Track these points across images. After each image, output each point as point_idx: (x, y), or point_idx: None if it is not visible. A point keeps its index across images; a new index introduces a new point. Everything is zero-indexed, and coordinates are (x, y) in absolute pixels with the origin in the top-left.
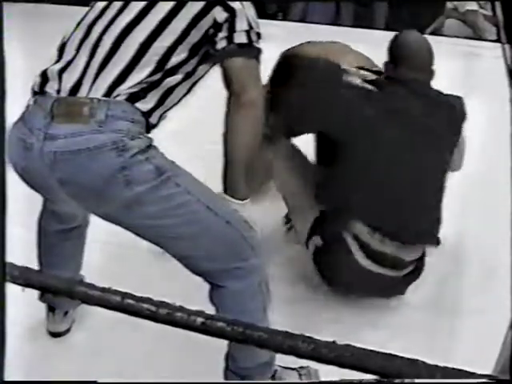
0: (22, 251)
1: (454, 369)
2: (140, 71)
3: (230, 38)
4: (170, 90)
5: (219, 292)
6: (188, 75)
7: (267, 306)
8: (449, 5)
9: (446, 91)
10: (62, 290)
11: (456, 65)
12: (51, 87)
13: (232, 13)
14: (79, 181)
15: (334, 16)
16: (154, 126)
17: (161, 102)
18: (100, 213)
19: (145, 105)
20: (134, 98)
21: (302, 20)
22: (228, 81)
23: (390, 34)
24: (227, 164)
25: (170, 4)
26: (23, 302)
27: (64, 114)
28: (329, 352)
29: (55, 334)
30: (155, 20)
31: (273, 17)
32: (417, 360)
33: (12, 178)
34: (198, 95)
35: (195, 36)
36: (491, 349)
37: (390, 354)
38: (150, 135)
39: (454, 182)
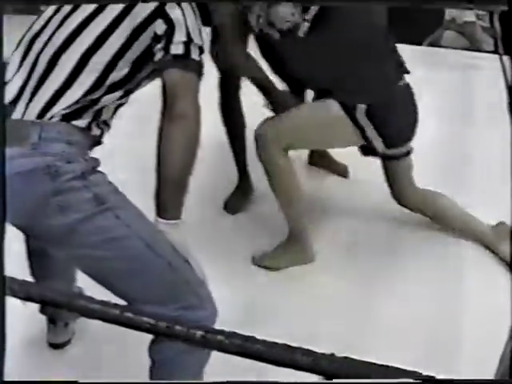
0: (21, 265)
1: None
2: (77, 89)
3: (166, 49)
4: (106, 106)
5: (157, 343)
6: (129, 92)
7: (205, 363)
8: (447, 16)
9: (444, 102)
10: (62, 304)
11: (454, 76)
12: None
13: (171, 24)
14: (14, 207)
15: None
16: (100, 136)
17: (97, 115)
18: (42, 240)
19: (82, 121)
20: (69, 117)
21: None
22: (163, 93)
23: None
24: (158, 181)
25: (110, 18)
26: (23, 314)
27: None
28: (329, 364)
29: (55, 346)
30: (93, 34)
31: None
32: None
33: None
34: None
35: (136, 50)
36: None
37: (397, 368)
38: (96, 156)
39: None
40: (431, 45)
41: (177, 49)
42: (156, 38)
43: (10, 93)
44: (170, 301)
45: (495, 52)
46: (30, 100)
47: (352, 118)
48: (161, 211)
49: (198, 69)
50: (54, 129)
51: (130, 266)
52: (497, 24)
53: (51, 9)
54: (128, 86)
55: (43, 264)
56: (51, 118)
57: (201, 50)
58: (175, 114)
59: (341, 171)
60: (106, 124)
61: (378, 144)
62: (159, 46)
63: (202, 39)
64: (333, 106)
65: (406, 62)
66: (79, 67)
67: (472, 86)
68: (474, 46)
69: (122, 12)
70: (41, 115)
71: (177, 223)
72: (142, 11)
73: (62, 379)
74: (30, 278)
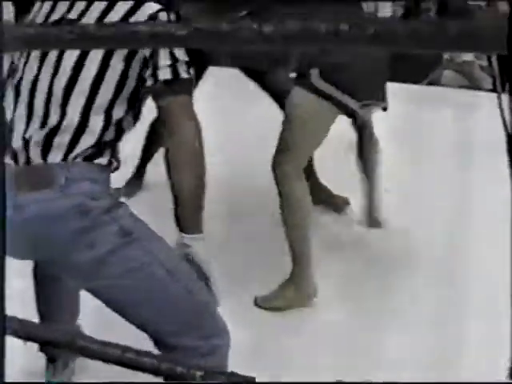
0: (22, 303)
1: None
2: (90, 133)
3: (154, 76)
4: (120, 134)
5: None
6: (136, 118)
7: None
8: (446, 56)
9: (444, 141)
10: (62, 344)
11: (453, 115)
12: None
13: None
14: (45, 246)
15: None
16: (118, 167)
17: (115, 149)
18: (70, 275)
19: (102, 159)
20: (90, 157)
21: None
22: (161, 120)
23: (388, 85)
24: (176, 201)
25: (101, 52)
26: (23, 353)
27: (27, 183)
28: None
29: None
30: (91, 74)
31: None
32: None
33: None
34: None
35: (132, 81)
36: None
37: None
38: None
39: None
40: (430, 84)
41: (164, 74)
42: (145, 63)
43: (18, 139)
44: (189, 329)
45: (494, 90)
46: (46, 145)
47: (311, 87)
48: (183, 227)
49: (189, 86)
50: (79, 169)
51: (152, 295)
52: (495, 63)
53: (35, 52)
54: (131, 116)
55: (49, 297)
56: (74, 158)
57: (188, 65)
58: (177, 141)
59: (341, 203)
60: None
61: (350, 102)
62: (148, 72)
63: (184, 53)
64: (298, 96)
65: (406, 101)
66: (86, 111)
67: (471, 124)
68: (473, 85)
69: None
70: (64, 158)
71: (201, 237)
72: None
73: None
74: (31, 315)
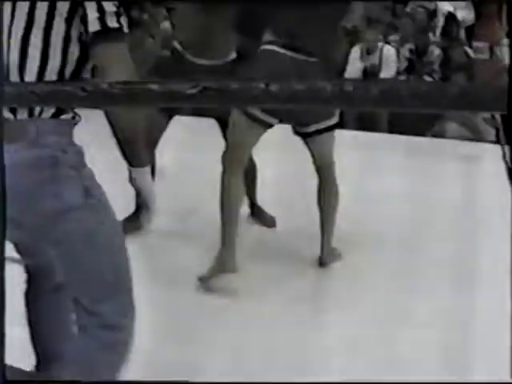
0: (22, 350)
1: None
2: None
3: (86, 29)
4: None
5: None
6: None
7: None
8: None
9: (448, 192)
10: None
11: (457, 167)
12: None
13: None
14: (13, 194)
15: None
16: (79, 119)
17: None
18: (30, 229)
19: (67, 115)
20: (56, 113)
21: None
22: (93, 66)
23: (392, 137)
24: (119, 135)
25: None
26: None
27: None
28: None
29: None
30: (38, 43)
31: None
32: None
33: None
34: None
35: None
36: None
37: None
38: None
39: None
40: (434, 136)
41: (94, 26)
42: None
43: None
44: (109, 299)
45: (497, 142)
46: None
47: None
48: (128, 162)
49: (119, 34)
50: (47, 124)
51: (89, 259)
52: (498, 116)
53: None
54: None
55: (38, 309)
56: (40, 115)
57: (117, 15)
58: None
59: (269, 222)
60: None
61: (265, 116)
62: (82, 27)
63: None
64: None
65: (410, 152)
66: (40, 76)
67: (475, 175)
68: (477, 137)
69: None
70: (30, 113)
71: (145, 169)
72: None
73: None
74: (31, 361)
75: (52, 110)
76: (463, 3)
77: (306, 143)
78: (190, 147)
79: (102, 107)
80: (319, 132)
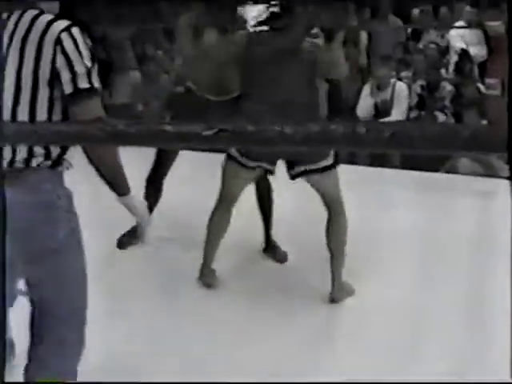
0: None
1: None
2: (39, 153)
3: (61, 90)
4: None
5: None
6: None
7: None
8: None
9: (461, 228)
10: None
11: (471, 202)
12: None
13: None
14: (14, 227)
15: (349, 155)
16: (71, 167)
17: (65, 157)
18: (24, 259)
19: (62, 167)
20: (52, 165)
21: None
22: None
23: (405, 173)
24: (104, 174)
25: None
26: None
27: (8, 180)
28: None
29: None
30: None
31: None
32: None
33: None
34: None
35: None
36: None
37: None
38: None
39: None
40: (447, 171)
41: (67, 89)
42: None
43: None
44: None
45: (511, 178)
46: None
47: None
48: (115, 192)
49: (90, 93)
50: (45, 174)
51: (70, 286)
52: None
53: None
54: None
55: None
56: (39, 165)
57: (89, 75)
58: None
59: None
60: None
61: (245, 161)
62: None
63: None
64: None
65: (423, 188)
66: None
67: (489, 211)
68: (490, 173)
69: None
70: (28, 163)
71: (133, 195)
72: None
73: None
74: None
75: (49, 162)
76: (475, 39)
77: (309, 183)
78: (197, 181)
79: (120, 145)
80: (310, 172)
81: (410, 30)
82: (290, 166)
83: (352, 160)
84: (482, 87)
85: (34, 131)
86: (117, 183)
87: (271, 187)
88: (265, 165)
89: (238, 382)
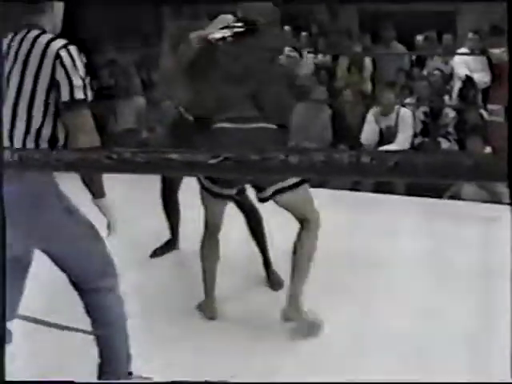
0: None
1: None
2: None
3: (58, 98)
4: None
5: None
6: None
7: None
8: None
9: (466, 254)
10: None
11: (475, 229)
12: None
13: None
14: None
15: (353, 182)
16: None
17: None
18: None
19: None
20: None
21: (322, 186)
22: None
23: (409, 200)
24: (83, 177)
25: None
26: None
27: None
28: None
29: None
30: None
31: None
32: None
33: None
34: None
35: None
36: None
37: None
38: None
39: None
40: (451, 198)
41: (64, 97)
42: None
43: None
44: (100, 274)
45: None
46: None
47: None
48: (93, 195)
49: (83, 104)
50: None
51: (79, 251)
52: None
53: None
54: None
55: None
56: None
57: (84, 88)
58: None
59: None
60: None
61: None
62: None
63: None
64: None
65: (427, 214)
66: (24, 142)
67: (493, 237)
68: (494, 199)
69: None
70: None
71: (106, 198)
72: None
73: None
74: None
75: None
76: (480, 66)
77: (278, 204)
78: None
79: (125, 173)
80: (279, 192)
81: (414, 57)
82: (259, 189)
83: (355, 187)
84: (485, 113)
85: (38, 159)
86: (94, 186)
87: (261, 219)
88: (234, 191)
89: (237, 382)
